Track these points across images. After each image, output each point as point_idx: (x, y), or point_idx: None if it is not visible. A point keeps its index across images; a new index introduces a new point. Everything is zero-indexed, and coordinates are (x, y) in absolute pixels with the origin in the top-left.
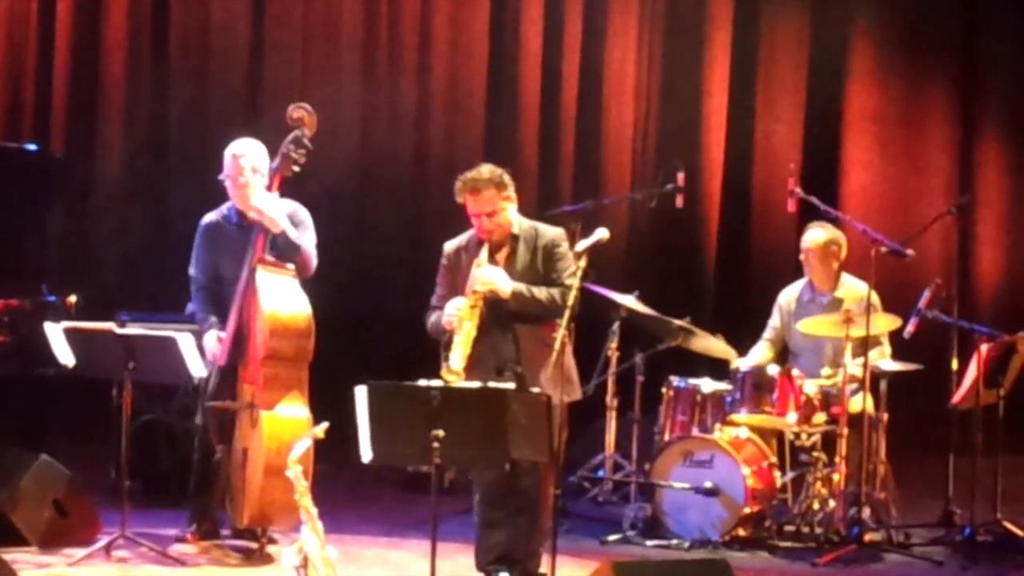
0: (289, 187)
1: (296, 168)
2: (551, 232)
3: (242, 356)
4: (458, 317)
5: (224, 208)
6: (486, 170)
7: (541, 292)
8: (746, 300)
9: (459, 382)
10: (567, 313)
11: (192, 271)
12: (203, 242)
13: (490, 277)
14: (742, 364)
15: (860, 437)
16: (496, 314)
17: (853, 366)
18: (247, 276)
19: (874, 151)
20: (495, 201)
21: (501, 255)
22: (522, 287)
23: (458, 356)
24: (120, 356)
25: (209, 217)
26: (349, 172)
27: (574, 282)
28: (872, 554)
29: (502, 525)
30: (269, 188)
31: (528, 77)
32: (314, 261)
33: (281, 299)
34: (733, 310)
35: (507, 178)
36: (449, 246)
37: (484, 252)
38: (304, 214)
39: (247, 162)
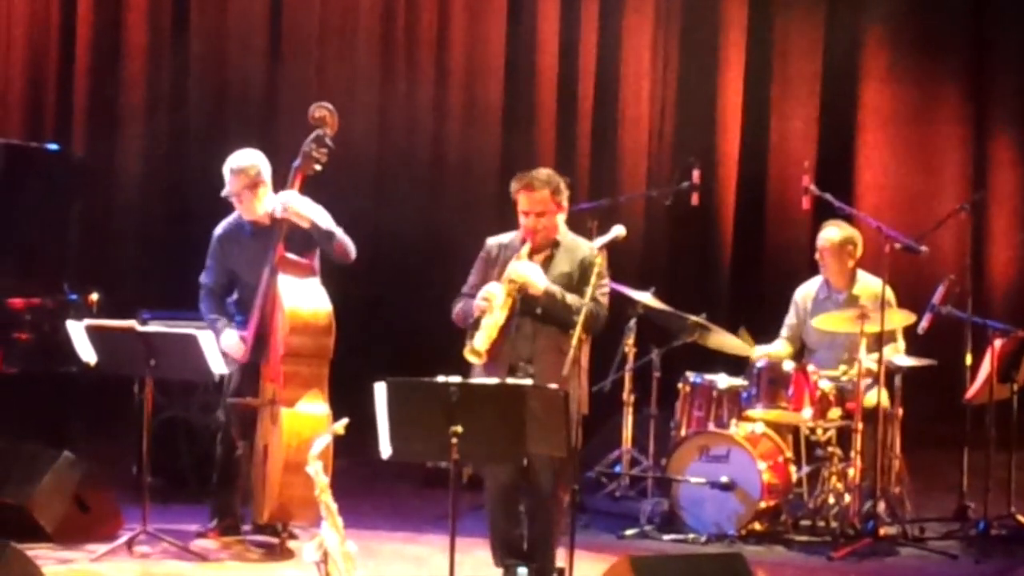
0: (306, 186)
1: (318, 167)
2: (590, 249)
3: (264, 354)
4: (491, 301)
5: (236, 215)
6: (544, 172)
7: (573, 299)
8: (761, 296)
9: (478, 361)
10: (578, 327)
11: (203, 279)
12: (217, 252)
13: (525, 271)
14: (759, 351)
15: (875, 432)
16: (523, 311)
17: (868, 361)
18: (268, 276)
19: (888, 148)
20: (548, 202)
21: (539, 258)
22: (556, 289)
23: (483, 338)
24: (141, 354)
25: (222, 226)
26: (366, 172)
27: (601, 300)
28: (887, 548)
29: (518, 520)
30: (291, 186)
31: (545, 75)
32: (352, 247)
33: (302, 297)
34: (748, 306)
35: (563, 186)
36: (492, 241)
37: (525, 249)
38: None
39: (247, 177)
